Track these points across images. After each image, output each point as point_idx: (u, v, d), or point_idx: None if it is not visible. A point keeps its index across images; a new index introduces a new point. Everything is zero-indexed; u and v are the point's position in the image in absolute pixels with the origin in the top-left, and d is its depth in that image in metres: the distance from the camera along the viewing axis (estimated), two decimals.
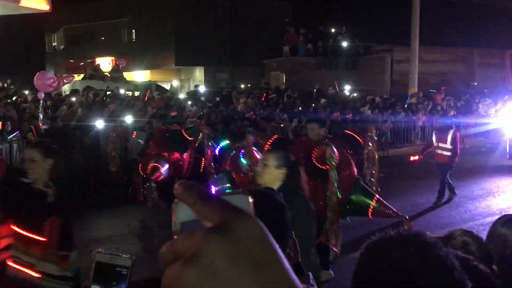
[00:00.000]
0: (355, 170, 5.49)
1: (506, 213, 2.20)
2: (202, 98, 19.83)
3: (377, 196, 5.46)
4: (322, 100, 18.60)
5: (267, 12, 25.82)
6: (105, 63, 25.89)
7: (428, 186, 11.39)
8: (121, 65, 22.64)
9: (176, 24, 25.46)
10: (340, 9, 24.99)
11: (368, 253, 1.01)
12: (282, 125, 14.30)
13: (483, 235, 2.20)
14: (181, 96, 20.29)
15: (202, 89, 21.33)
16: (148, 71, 28.83)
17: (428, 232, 2.01)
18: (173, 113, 14.08)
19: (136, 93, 20.48)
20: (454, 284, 0.93)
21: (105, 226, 8.44)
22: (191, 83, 26.90)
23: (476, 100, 20.51)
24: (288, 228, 1.50)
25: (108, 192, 9.61)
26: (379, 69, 23.52)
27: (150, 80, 26.21)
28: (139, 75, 28.51)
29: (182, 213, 0.57)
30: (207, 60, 24.78)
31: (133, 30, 29.16)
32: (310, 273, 1.73)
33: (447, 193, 10.05)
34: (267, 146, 5.58)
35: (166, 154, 7.93)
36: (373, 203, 5.35)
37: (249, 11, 25.34)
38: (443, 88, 20.61)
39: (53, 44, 34.12)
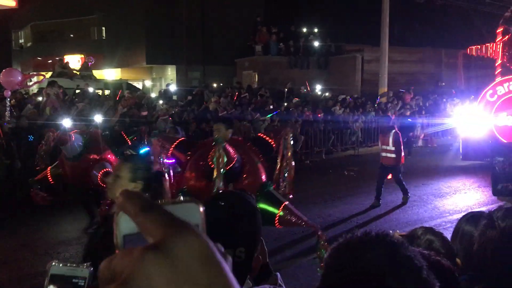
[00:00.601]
0: (263, 175, 5.07)
1: (472, 210, 2.24)
2: (174, 97, 19.68)
3: (286, 203, 5.00)
4: (294, 100, 18.70)
5: (239, 11, 25.78)
6: (74, 61, 25.36)
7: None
8: (90, 63, 22.21)
9: (147, 21, 25.15)
10: (311, 9, 25.16)
11: (336, 256, 0.99)
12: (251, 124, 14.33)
13: (450, 231, 2.25)
14: (153, 95, 20.07)
15: (173, 88, 21.15)
16: (119, 70, 28.40)
17: (396, 231, 2.05)
18: (144, 113, 13.92)
19: (107, 92, 20.16)
20: (423, 284, 0.92)
21: (72, 227, 8.28)
22: (162, 82, 26.62)
23: (444, 100, 20.97)
24: (259, 231, 1.49)
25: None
26: (350, 69, 23.81)
27: (121, 79, 25.82)
28: (110, 74, 28.06)
29: (125, 225, 0.52)
30: (179, 58, 24.57)
31: (103, 28, 28.66)
32: (278, 273, 1.73)
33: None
34: (171, 150, 5.18)
35: (109, 157, 7.50)
36: (279, 212, 4.87)
37: (221, 9, 25.26)
38: (412, 87, 21.00)
39: (20, 41, 33.24)
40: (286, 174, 5.39)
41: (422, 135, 18.31)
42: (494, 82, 13.84)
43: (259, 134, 6.64)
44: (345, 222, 8.60)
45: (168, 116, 13.43)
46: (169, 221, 0.49)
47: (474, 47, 15.53)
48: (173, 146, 5.22)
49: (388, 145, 9.57)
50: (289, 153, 5.38)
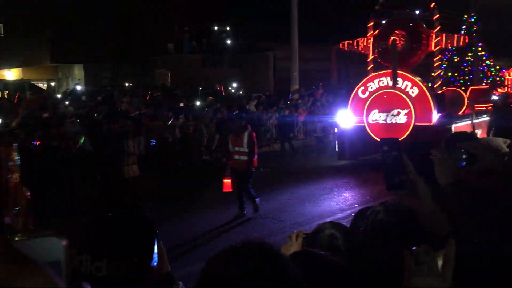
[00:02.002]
0: None
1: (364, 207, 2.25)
2: (83, 97, 18.81)
3: None
4: (208, 98, 18.64)
5: (152, 8, 25.21)
6: None
7: (312, 179, 11.92)
8: None
9: (53, 17, 23.76)
10: (224, 7, 25.20)
11: (208, 268, 0.97)
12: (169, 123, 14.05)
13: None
14: (59, 95, 19.04)
15: (82, 87, 20.21)
16: (20, 69, 26.58)
17: (301, 230, 2.05)
18: (45, 114, 13.11)
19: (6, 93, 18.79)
20: None
21: None
22: (70, 82, 25.32)
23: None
24: (149, 241, 1.43)
25: None
26: (263, 67, 24.21)
27: (22, 79, 24.19)
28: (10, 74, 26.18)
29: None
30: (88, 57, 23.48)
31: (1, 24, 26.65)
32: (180, 283, 1.69)
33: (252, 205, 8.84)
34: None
35: None
36: None
37: (133, 6, 24.54)
38: (321, 84, 21.73)
39: None
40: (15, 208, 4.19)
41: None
42: (365, 78, 13.19)
43: None
44: (263, 219, 8.69)
45: (75, 118, 12.77)
46: (13, 258, 0.48)
47: (346, 42, 14.45)
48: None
49: (241, 146, 8.55)
50: (15, 176, 4.26)
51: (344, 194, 10.45)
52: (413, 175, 1.58)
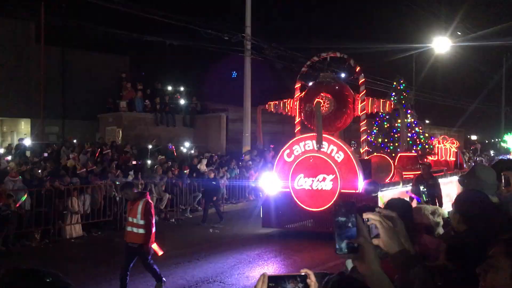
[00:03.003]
0: None
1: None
2: (28, 153, 18.14)
3: None
4: (160, 156, 18.44)
5: (103, 65, 25.21)
6: None
7: (256, 237, 11.81)
8: None
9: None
10: (176, 67, 25.61)
11: None
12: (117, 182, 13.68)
13: None
14: (1, 150, 18.27)
15: (27, 142, 19.53)
16: None
17: None
18: None
19: None
20: None
21: None
22: (15, 136, 24.44)
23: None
24: None
25: None
26: (215, 127, 24.39)
27: None
28: None
29: None
30: (35, 111, 22.84)
31: None
32: None
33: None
34: None
35: None
36: None
37: (82, 62, 24.48)
38: (272, 146, 22.04)
39: None
40: None
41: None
42: (291, 141, 12.51)
43: None
44: (210, 283, 8.43)
45: (17, 175, 12.21)
46: None
47: (272, 102, 13.90)
48: None
49: (135, 217, 7.28)
50: None
51: (293, 257, 10.37)
52: (364, 239, 1.59)
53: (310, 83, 13.72)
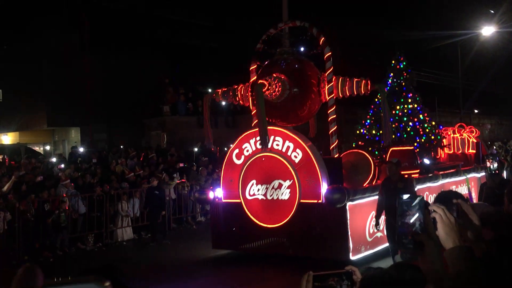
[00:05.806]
0: None
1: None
2: (79, 160, 18.85)
3: None
4: (203, 158, 18.70)
5: (145, 72, 25.86)
6: None
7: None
8: None
9: (48, 83, 24.27)
10: (215, 70, 25.88)
11: None
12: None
13: None
14: (54, 159, 19.09)
15: (80, 150, 20.35)
16: (17, 133, 26.81)
17: None
18: (39, 178, 13.07)
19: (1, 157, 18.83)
20: None
21: None
22: (66, 145, 25.49)
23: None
24: None
25: None
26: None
27: (18, 143, 24.34)
28: (7, 138, 26.37)
29: None
30: (83, 119, 23.72)
31: (0, 90, 27.18)
32: None
33: None
34: None
35: None
36: None
37: (124, 68, 25.11)
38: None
39: None
40: None
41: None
42: (240, 138, 9.81)
43: None
44: None
45: (69, 181, 12.74)
46: None
47: (220, 90, 10.63)
48: None
49: None
50: None
51: None
52: (425, 236, 1.58)
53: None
